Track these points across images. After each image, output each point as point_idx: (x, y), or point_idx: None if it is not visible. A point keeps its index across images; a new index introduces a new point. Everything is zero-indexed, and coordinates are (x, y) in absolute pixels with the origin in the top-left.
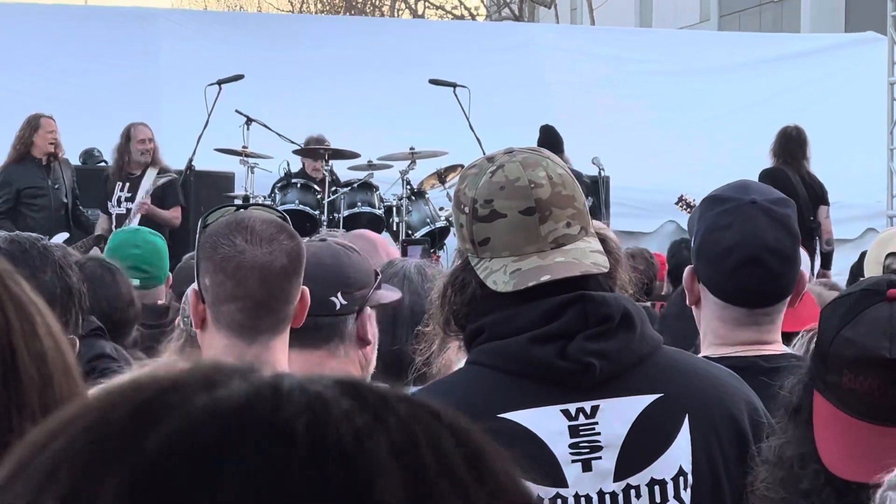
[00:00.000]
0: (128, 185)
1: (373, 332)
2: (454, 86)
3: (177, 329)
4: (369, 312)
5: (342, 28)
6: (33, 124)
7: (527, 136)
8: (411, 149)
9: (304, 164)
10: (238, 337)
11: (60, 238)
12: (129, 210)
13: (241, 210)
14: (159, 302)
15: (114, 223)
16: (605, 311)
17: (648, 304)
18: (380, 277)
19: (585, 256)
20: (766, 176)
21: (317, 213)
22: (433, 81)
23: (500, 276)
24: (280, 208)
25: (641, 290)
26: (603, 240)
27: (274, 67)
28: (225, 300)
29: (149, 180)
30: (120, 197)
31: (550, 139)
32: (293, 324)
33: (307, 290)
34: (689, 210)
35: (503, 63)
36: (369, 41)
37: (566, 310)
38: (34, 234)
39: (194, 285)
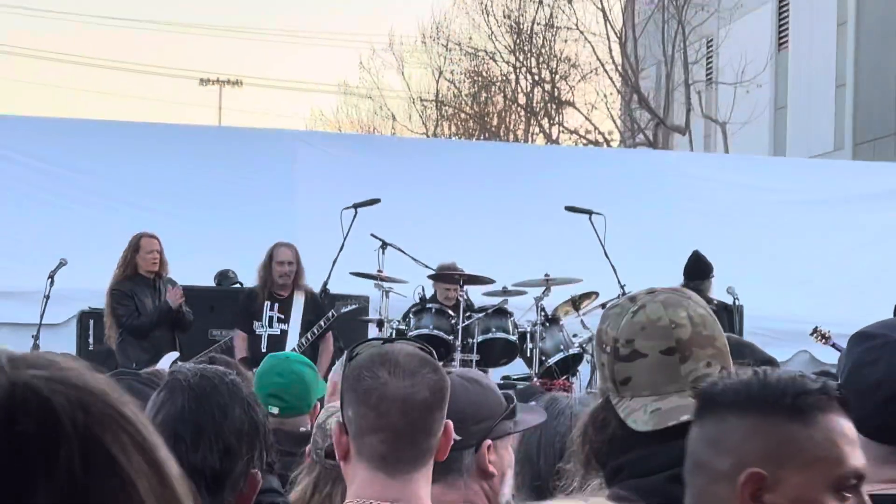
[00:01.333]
0: (277, 305)
1: (500, 462)
2: (590, 213)
3: (307, 460)
4: (491, 444)
5: (476, 152)
6: (134, 245)
7: (661, 262)
8: (546, 275)
9: (436, 290)
10: (380, 469)
11: (171, 357)
12: (283, 331)
13: (386, 343)
14: (301, 429)
15: (265, 344)
16: None
17: None
18: (513, 405)
19: None
20: None
21: (451, 338)
22: (569, 209)
23: (640, 415)
24: (414, 333)
25: None
26: None
27: (408, 191)
28: (367, 432)
29: (303, 307)
30: (272, 317)
31: (699, 265)
32: (437, 457)
33: (451, 423)
34: (823, 341)
35: (638, 190)
36: (504, 166)
37: None
38: (221, 369)
39: (338, 417)
